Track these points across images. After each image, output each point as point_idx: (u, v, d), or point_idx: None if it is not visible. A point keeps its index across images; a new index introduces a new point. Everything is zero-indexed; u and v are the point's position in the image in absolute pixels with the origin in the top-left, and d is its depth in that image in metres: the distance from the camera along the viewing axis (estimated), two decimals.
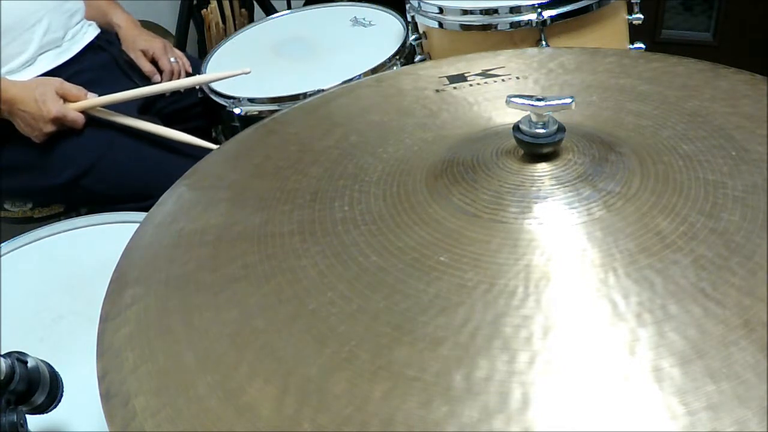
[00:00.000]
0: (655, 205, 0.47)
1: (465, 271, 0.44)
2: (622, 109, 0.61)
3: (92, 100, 1.17)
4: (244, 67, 1.22)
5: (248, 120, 1.23)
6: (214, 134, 1.42)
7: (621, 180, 0.49)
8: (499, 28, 1.12)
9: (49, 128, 1.14)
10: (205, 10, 2.00)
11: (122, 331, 0.46)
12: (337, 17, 1.50)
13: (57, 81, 1.16)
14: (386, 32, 1.40)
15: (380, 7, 1.50)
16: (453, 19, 1.15)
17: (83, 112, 1.17)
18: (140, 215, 0.88)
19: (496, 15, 1.11)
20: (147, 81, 1.35)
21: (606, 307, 0.41)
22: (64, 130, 1.16)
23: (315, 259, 0.48)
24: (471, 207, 0.48)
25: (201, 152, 0.65)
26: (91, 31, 1.33)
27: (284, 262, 0.48)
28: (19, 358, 0.50)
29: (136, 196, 1.09)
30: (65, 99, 1.15)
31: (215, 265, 0.50)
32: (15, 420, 0.47)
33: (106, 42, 1.35)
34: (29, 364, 0.51)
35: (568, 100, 0.48)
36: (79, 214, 1.02)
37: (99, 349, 0.46)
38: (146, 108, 1.31)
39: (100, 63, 1.31)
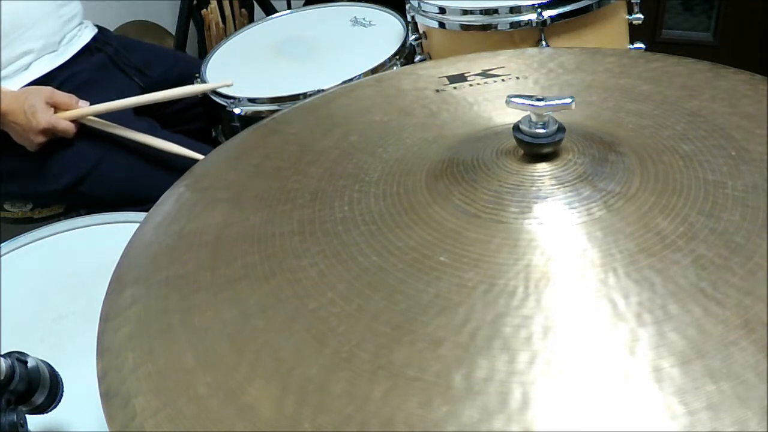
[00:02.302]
0: (655, 205, 0.47)
1: (465, 271, 0.44)
2: (622, 109, 0.61)
3: (83, 109, 1.17)
4: (226, 80, 1.24)
5: (248, 120, 1.23)
6: (214, 134, 1.42)
7: (621, 180, 0.49)
8: (499, 28, 1.12)
9: (41, 139, 1.14)
10: (205, 10, 2.00)
11: (122, 331, 0.46)
12: (337, 17, 1.50)
13: (47, 90, 1.15)
14: (386, 32, 1.40)
15: (380, 7, 1.50)
16: (453, 19, 1.15)
17: (74, 120, 1.16)
18: (140, 215, 0.88)
19: (496, 15, 1.11)
20: (145, 78, 1.35)
21: (606, 307, 0.41)
22: (58, 138, 1.16)
23: (315, 259, 0.47)
24: (471, 207, 0.48)
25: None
26: (87, 33, 1.33)
27: (284, 262, 0.48)
28: (19, 358, 0.50)
29: (135, 200, 1.09)
30: (56, 108, 1.15)
31: (215, 265, 0.50)
32: (15, 420, 0.47)
33: (103, 42, 1.35)
34: (29, 364, 0.51)
35: (568, 100, 0.48)
36: (79, 215, 1.02)
37: (99, 349, 0.46)
38: (144, 109, 1.31)
39: (97, 64, 1.31)
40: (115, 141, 1.21)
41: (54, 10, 1.25)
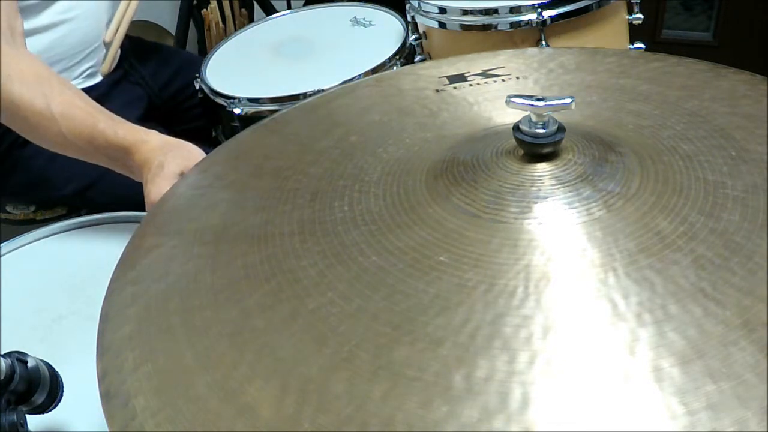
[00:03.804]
0: (655, 205, 0.47)
1: (465, 271, 0.44)
2: (622, 109, 0.61)
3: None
4: None
5: (248, 120, 1.23)
6: (214, 134, 1.42)
7: (621, 180, 0.49)
8: (499, 28, 1.12)
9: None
10: (205, 10, 2.00)
11: (122, 331, 0.46)
12: (337, 17, 1.50)
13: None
14: (386, 32, 1.40)
15: (380, 7, 1.50)
16: (453, 19, 1.15)
17: None
18: (140, 215, 0.88)
19: (496, 15, 1.11)
20: (153, 87, 1.36)
21: (606, 307, 0.41)
22: None
23: (315, 259, 0.47)
24: (471, 207, 0.48)
25: None
26: None
27: (284, 262, 0.48)
28: (19, 358, 0.50)
29: (141, 206, 1.09)
30: None
31: (215, 265, 0.50)
32: (15, 420, 0.47)
33: (122, 55, 1.36)
34: (29, 364, 0.51)
35: (568, 100, 0.48)
36: (79, 215, 1.02)
37: (99, 349, 0.46)
38: (151, 116, 1.32)
39: (113, 79, 1.32)
40: None
41: (104, 27, 1.30)
